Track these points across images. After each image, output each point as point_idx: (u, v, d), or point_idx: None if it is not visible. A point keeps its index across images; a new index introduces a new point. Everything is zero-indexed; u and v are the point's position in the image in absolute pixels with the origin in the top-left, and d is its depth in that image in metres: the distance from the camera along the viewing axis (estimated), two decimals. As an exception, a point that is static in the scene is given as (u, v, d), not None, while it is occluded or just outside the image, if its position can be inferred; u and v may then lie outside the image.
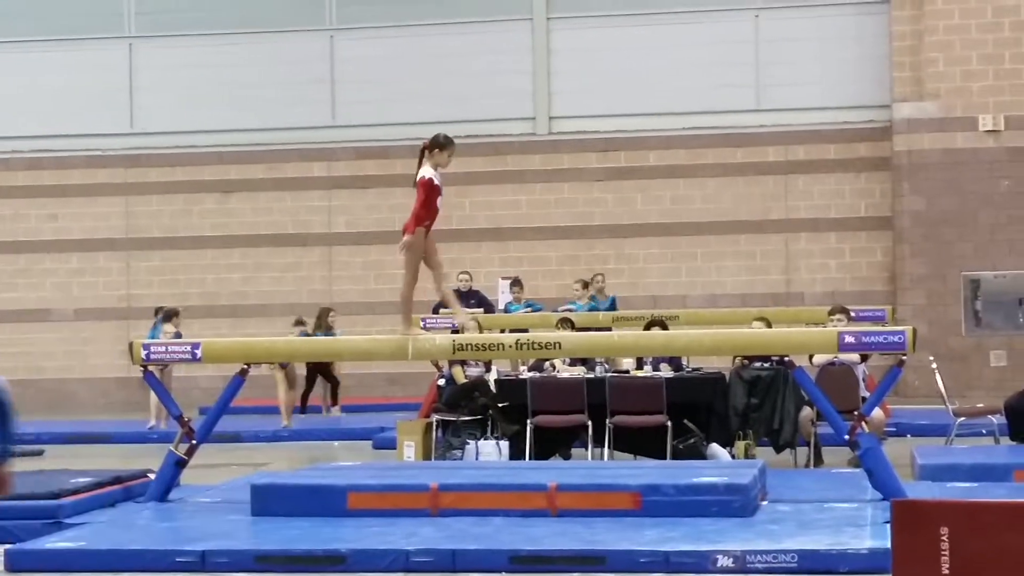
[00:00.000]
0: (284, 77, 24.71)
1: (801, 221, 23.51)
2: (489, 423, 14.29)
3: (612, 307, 19.08)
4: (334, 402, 20.95)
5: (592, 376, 14.08)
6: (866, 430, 10.62)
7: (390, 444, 15.54)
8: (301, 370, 20.29)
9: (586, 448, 13.86)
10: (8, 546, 9.31)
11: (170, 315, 18.81)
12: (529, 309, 18.98)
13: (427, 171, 10.66)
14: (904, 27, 22.68)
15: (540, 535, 9.07)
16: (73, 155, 25.08)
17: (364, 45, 24.69)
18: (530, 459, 13.56)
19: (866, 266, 23.36)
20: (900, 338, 10.32)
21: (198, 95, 24.77)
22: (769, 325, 14.29)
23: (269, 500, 10.27)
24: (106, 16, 25.23)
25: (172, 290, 24.45)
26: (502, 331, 16.10)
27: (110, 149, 25.06)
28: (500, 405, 14.20)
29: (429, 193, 10.60)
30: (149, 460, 12.64)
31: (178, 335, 17.48)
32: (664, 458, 13.14)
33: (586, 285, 19.12)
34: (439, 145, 10.74)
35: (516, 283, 19.64)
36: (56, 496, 10.41)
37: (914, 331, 10.40)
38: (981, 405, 14.96)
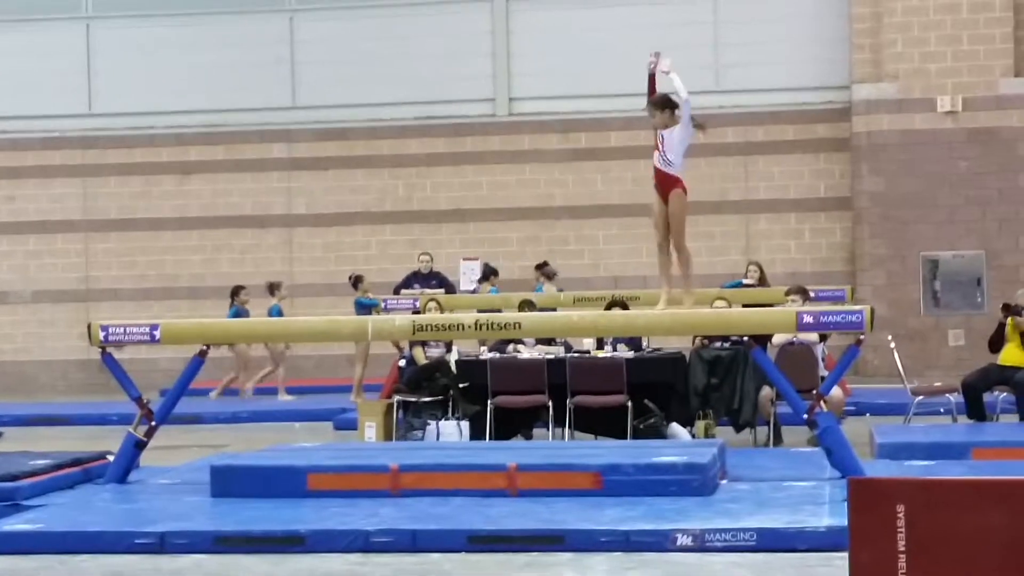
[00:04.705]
0: (244, 58, 24.57)
1: (761, 202, 23.57)
2: (450, 404, 14.30)
3: None
4: None
5: (552, 357, 14.08)
6: (825, 409, 10.67)
7: (351, 425, 15.54)
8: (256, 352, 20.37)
9: (547, 428, 13.89)
10: (-35, 529, 9.26)
11: (273, 288, 19.77)
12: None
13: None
14: (863, 8, 22.72)
15: (499, 515, 9.08)
16: (30, 137, 24.91)
17: (324, 26, 24.61)
18: (491, 439, 13.58)
19: (826, 246, 23.44)
20: (858, 318, 10.36)
21: (156, 76, 24.61)
22: (730, 305, 14.33)
23: (229, 481, 10.24)
24: (63, -4, 25.10)
25: (131, 272, 24.39)
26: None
27: (67, 130, 24.89)
28: (461, 386, 14.21)
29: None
30: (109, 442, 12.59)
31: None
32: (624, 438, 13.19)
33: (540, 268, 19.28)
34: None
35: (486, 276, 19.48)
36: (14, 478, 10.34)
37: (872, 310, 10.44)
38: (939, 384, 15.06)
